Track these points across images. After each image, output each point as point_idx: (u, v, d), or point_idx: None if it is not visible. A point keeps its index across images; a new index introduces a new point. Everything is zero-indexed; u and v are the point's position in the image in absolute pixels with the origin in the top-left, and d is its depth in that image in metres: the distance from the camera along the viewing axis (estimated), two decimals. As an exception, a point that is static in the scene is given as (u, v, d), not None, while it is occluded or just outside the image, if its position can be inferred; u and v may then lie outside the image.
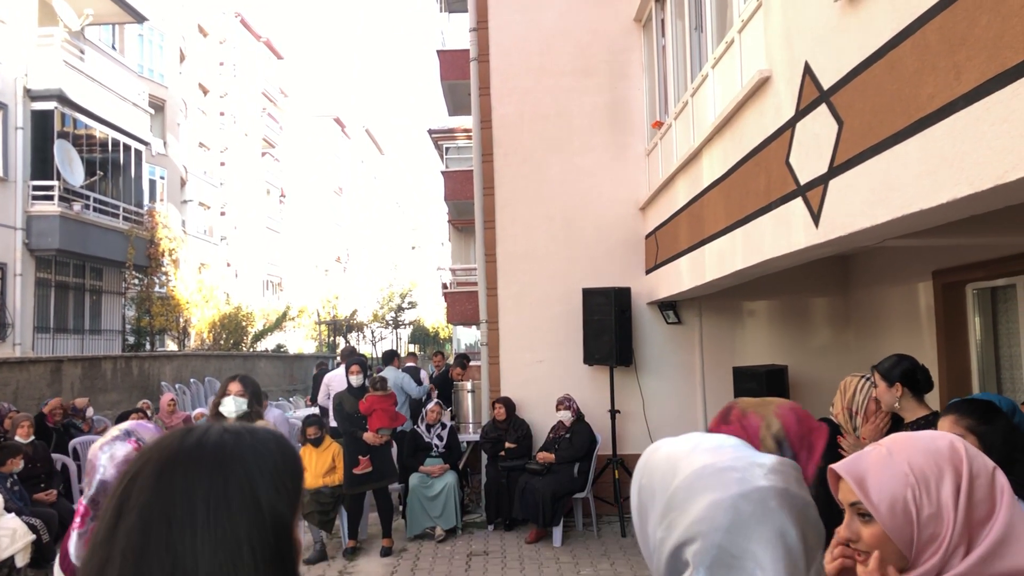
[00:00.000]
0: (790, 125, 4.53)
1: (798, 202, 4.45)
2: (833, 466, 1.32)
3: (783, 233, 4.74)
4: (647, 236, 9.15)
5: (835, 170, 3.93)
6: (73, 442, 9.54)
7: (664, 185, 8.10)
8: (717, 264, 6.29)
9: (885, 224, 3.52)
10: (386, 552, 7.68)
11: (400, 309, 45.50)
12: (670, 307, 9.10)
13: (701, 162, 6.70)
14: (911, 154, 3.19)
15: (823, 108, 4.05)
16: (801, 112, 4.36)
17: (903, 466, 1.23)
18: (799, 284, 8.71)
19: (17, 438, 8.14)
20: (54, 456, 8.60)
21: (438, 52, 17.56)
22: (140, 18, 19.41)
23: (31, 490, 7.70)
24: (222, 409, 4.48)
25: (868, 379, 3.78)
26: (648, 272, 9.14)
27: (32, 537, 6.96)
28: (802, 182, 4.38)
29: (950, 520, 1.19)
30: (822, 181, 4.10)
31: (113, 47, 20.27)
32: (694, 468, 1.00)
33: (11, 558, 6.82)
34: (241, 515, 0.94)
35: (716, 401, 9.03)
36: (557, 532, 7.88)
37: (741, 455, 1.03)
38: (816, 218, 4.20)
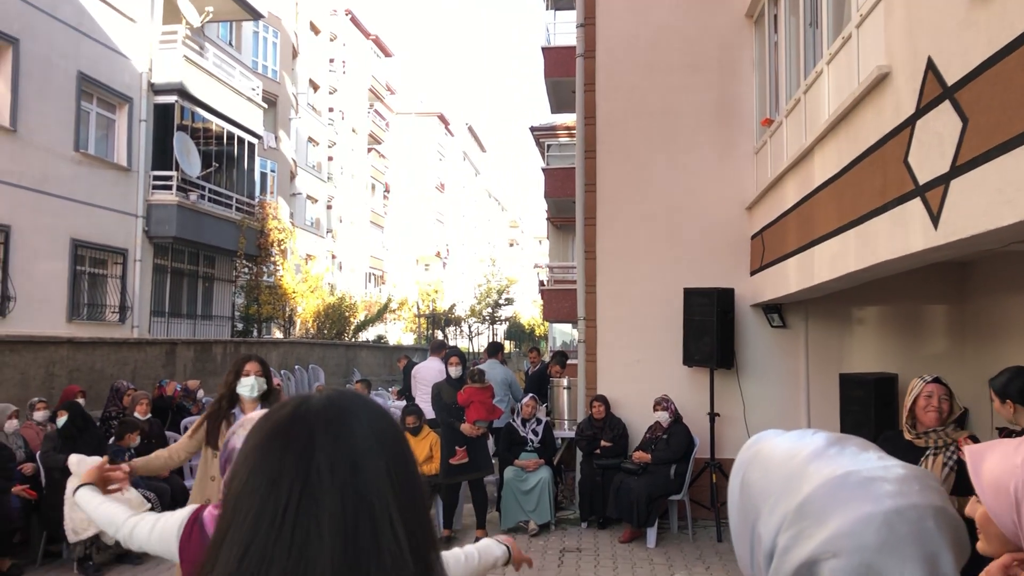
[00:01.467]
0: (910, 123, 4.36)
1: (916, 202, 4.28)
2: (967, 448, 1.35)
3: (899, 235, 4.57)
4: (753, 237, 8.96)
5: (958, 169, 3.76)
6: (184, 421, 9.99)
7: (772, 184, 7.92)
8: (827, 266, 6.11)
9: (1011, 227, 3.35)
10: (480, 543, 7.76)
11: (497, 305, 45.83)
12: (775, 310, 8.89)
13: (813, 161, 6.51)
14: (1043, 152, 3.03)
15: (946, 105, 3.89)
16: (922, 109, 4.19)
17: (1019, 458, 1.24)
18: (913, 290, 8.36)
19: (136, 415, 8.58)
20: (168, 434, 9.03)
21: (543, 49, 17.61)
22: (256, 15, 20.13)
23: (147, 465, 8.09)
24: (240, 390, 4.31)
25: (924, 380, 4.13)
26: (753, 273, 8.95)
27: (148, 506, 7.30)
28: (921, 182, 4.21)
29: None
30: (943, 181, 3.93)
31: (230, 44, 21.10)
32: (835, 474, 0.91)
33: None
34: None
35: (820, 408, 8.77)
36: (651, 533, 7.80)
37: (888, 463, 0.94)
38: (935, 219, 4.03)
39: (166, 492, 7.86)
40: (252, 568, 0.84)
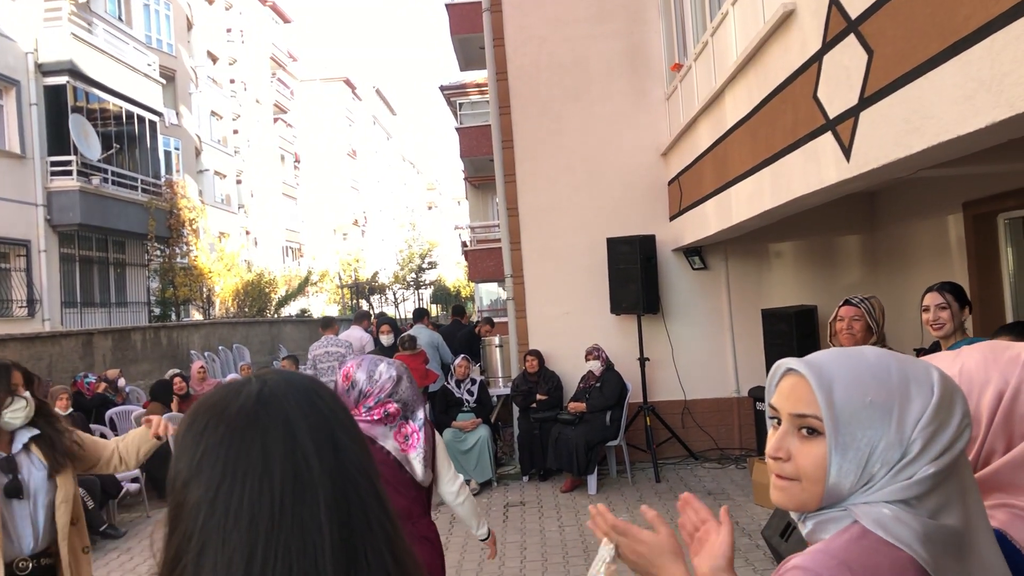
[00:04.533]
0: (817, 58, 4.44)
1: (828, 137, 4.38)
2: None
3: (813, 169, 4.68)
4: (670, 182, 9.07)
5: (866, 101, 3.85)
6: (109, 412, 9.70)
7: (686, 129, 8.01)
8: (745, 205, 6.23)
9: (920, 154, 3.46)
10: (424, 506, 7.77)
11: (421, 270, 45.55)
12: (696, 253, 9.06)
13: (724, 103, 6.60)
14: (947, 79, 3.12)
15: (851, 39, 3.97)
16: (828, 44, 4.27)
17: (956, 366, 1.31)
18: (826, 223, 8.62)
19: (56, 410, 8.26)
20: (92, 427, 8.75)
21: (447, 6, 17.30)
22: (146, -13, 19.29)
23: (73, 460, 7.84)
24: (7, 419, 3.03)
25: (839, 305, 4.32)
26: (672, 219, 9.08)
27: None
28: (831, 116, 4.30)
29: (986, 423, 1.25)
30: (852, 113, 4.03)
31: (120, 18, 20.15)
32: (936, 372, 1.09)
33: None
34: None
35: (745, 345, 9.02)
36: (592, 480, 7.94)
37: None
38: (847, 152, 4.13)
39: (96, 485, 7.63)
40: (259, 572, 0.79)
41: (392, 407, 2.87)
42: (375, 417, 2.86)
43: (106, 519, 7.76)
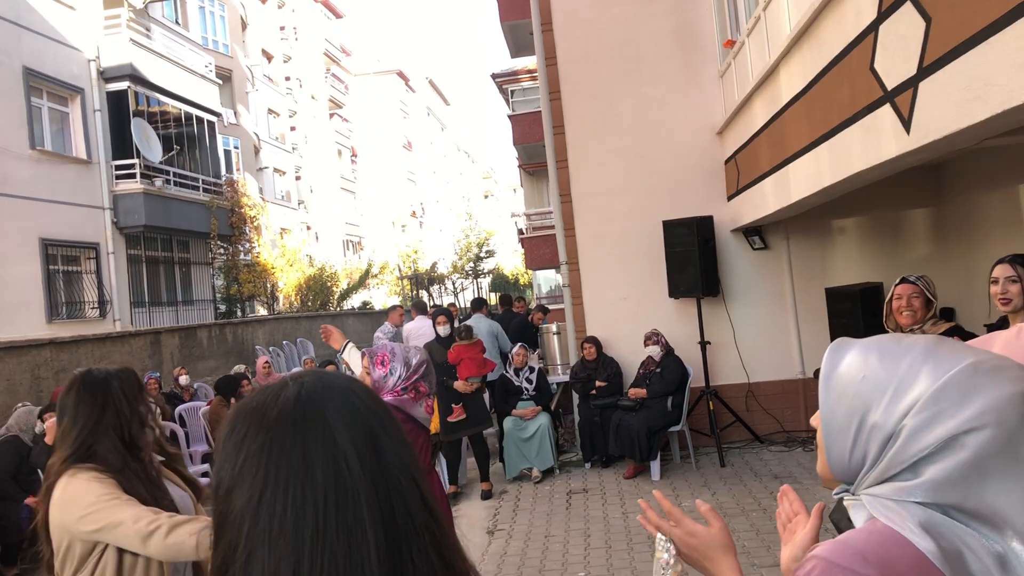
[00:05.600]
0: (872, 29, 4.29)
1: (886, 109, 4.23)
2: (977, 339, 1.42)
3: (872, 144, 4.53)
4: (726, 161, 8.90)
5: (925, 71, 3.71)
6: (178, 409, 9.95)
7: (741, 106, 7.84)
8: (803, 183, 6.08)
9: (983, 123, 3.32)
10: (486, 495, 7.81)
11: (479, 258, 45.72)
12: (755, 232, 8.87)
13: (779, 78, 6.44)
14: (1009, 43, 2.98)
15: (907, 6, 3.82)
16: (884, 13, 4.12)
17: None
18: (890, 197, 8.35)
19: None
20: (162, 424, 8.98)
21: (496, -7, 17.26)
22: (200, -10, 19.64)
23: (145, 457, 8.07)
24: None
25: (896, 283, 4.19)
26: (730, 198, 8.91)
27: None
28: (889, 87, 4.15)
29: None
30: (911, 84, 3.88)
31: (176, 22, 20.56)
32: (964, 363, 1.03)
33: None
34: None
35: (809, 325, 8.83)
36: (655, 466, 7.87)
37: (1001, 355, 1.07)
38: (907, 124, 3.99)
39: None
40: None
41: (423, 387, 3.22)
42: (411, 396, 3.20)
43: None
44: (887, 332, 4.36)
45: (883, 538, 1.04)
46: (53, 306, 14.48)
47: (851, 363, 1.12)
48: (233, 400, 9.45)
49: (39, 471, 7.29)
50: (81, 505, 2.19)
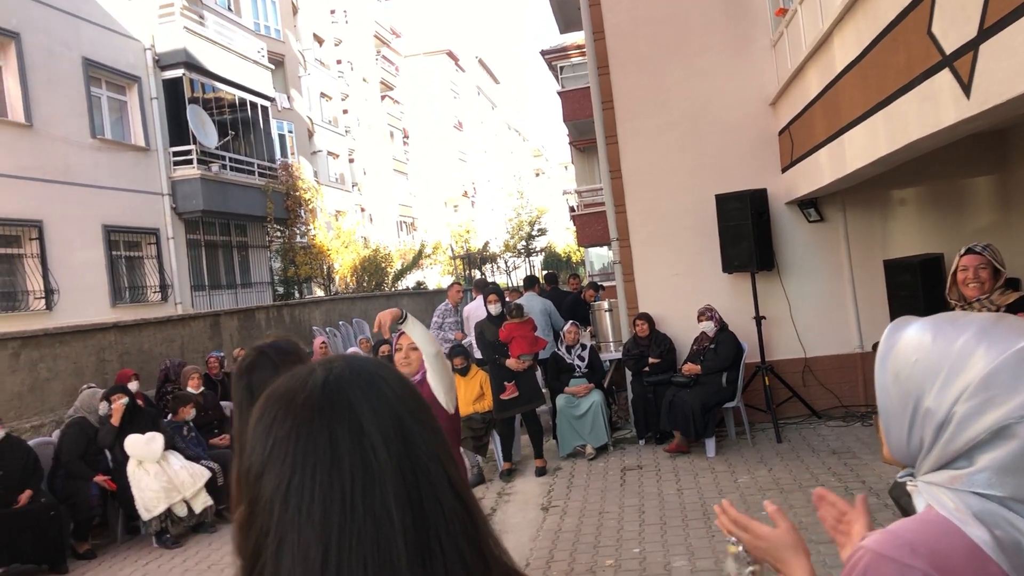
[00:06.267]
0: (930, -10, 4.15)
1: (945, 74, 4.10)
2: None
3: (930, 110, 4.40)
4: (780, 133, 8.72)
5: (985, 32, 3.58)
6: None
7: (794, 76, 7.67)
8: (859, 153, 5.94)
9: (1049, 85, 3.19)
10: (540, 472, 7.85)
11: (531, 237, 45.71)
12: (811, 205, 8.69)
13: (832, 46, 6.28)
14: (1077, 1, 2.86)
15: (968, -35, 3.68)
16: (942, -26, 3.98)
17: None
18: (950, 165, 8.10)
19: (188, 389, 8.75)
20: (223, 404, 9.19)
21: (543, -31, 17.12)
22: (251, -24, 19.85)
23: (207, 437, 8.30)
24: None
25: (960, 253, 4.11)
26: (784, 170, 8.74)
27: (207, 476, 7.50)
28: (948, 51, 4.02)
29: None
30: (971, 47, 3.75)
31: (229, 8, 20.83)
32: (1017, 347, 0.99)
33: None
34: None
35: (867, 298, 8.64)
36: (710, 443, 7.81)
37: None
38: (967, 89, 3.86)
39: (230, 459, 8.03)
40: (335, 568, 0.78)
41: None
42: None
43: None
44: (949, 305, 4.25)
45: (936, 528, 1.01)
46: (116, 290, 14.89)
47: (906, 344, 1.09)
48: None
49: (106, 451, 7.55)
50: None
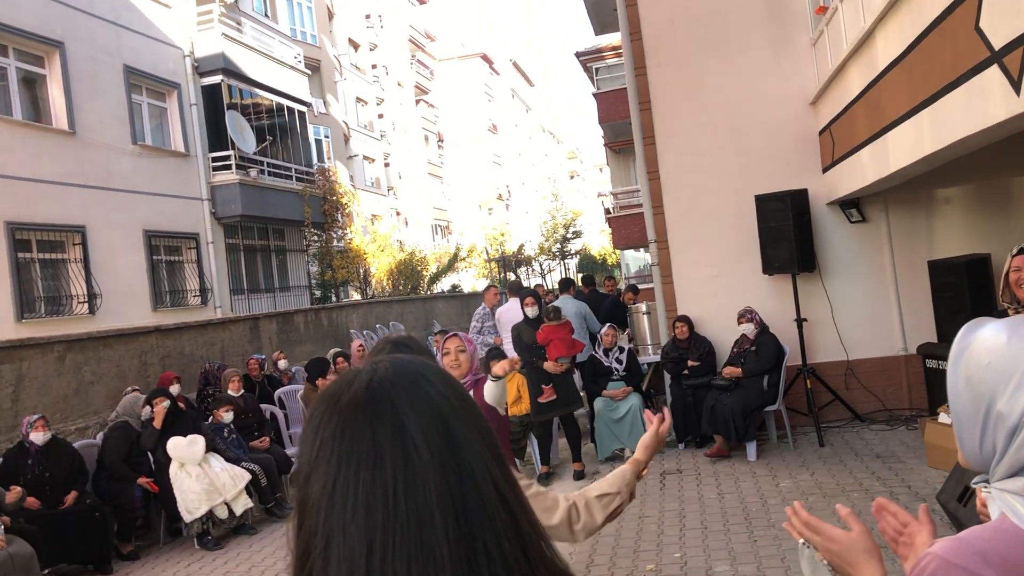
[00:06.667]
0: (979, -15, 4.06)
1: (993, 70, 4.01)
2: None
3: (978, 107, 4.31)
4: (820, 132, 8.61)
5: (1038, 27, 3.49)
6: (278, 392, 10.25)
7: (835, 75, 7.57)
8: (903, 151, 5.83)
9: (1105, 80, 3.10)
10: (579, 475, 7.81)
11: (566, 239, 45.65)
12: (852, 205, 8.57)
13: (875, 44, 6.18)
14: None
15: (1018, -41, 3.60)
16: (991, -32, 3.89)
17: None
18: (997, 164, 7.90)
19: (229, 392, 8.84)
20: (263, 407, 9.28)
21: (578, -29, 17.10)
22: (287, -17, 20.05)
23: (247, 439, 8.37)
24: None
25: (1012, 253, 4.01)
26: (825, 170, 8.62)
27: (248, 478, 7.56)
28: (997, 47, 3.93)
29: None
30: (1021, 42, 3.66)
31: (266, 15, 21.06)
32: None
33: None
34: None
35: (911, 300, 8.49)
36: (751, 447, 7.72)
37: None
38: (1017, 85, 3.77)
39: (271, 463, 8.10)
40: (379, 567, 0.78)
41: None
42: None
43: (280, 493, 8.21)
44: (999, 308, 4.15)
45: (1009, 537, 0.97)
46: (157, 294, 15.11)
47: (980, 346, 1.06)
48: (320, 382, 9.63)
49: (148, 454, 7.65)
50: None
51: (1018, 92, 3.77)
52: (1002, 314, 4.03)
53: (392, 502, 0.80)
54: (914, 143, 5.56)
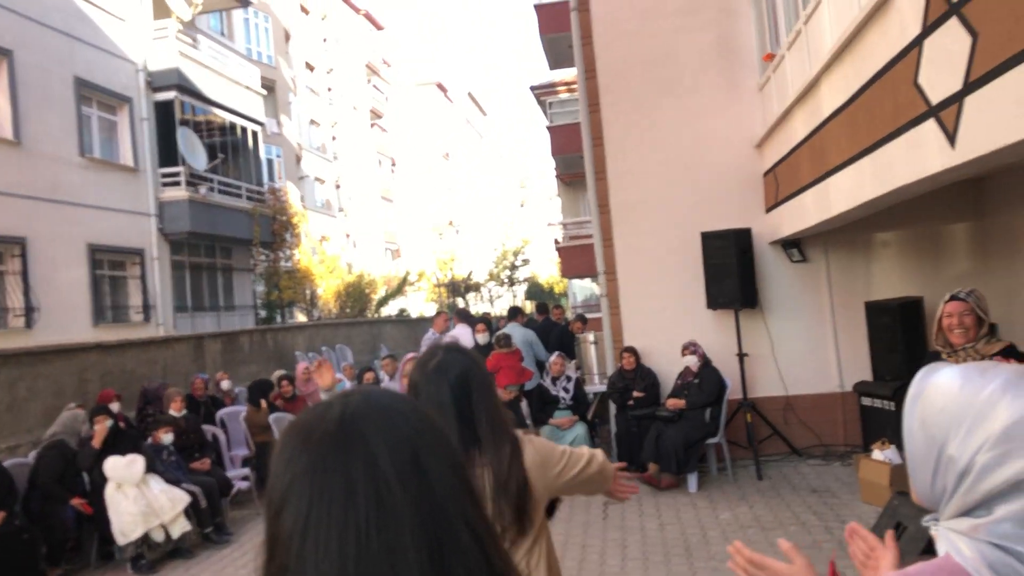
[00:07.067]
0: (917, 43, 4.29)
1: (931, 124, 4.22)
2: None
3: (916, 158, 4.52)
4: (765, 174, 8.88)
5: (971, 86, 3.70)
6: (220, 413, 10.10)
7: (780, 120, 7.83)
8: (844, 196, 6.06)
9: (1031, 139, 3.30)
10: (523, 504, 7.82)
11: (514, 267, 45.84)
12: (794, 245, 8.83)
13: (820, 92, 6.43)
14: (1058, 60, 2.97)
15: (953, 21, 3.81)
16: (929, 28, 4.12)
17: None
18: (931, 211, 8.25)
19: (171, 411, 8.69)
20: (204, 428, 9.13)
21: (536, 7, 17.37)
22: (245, 2, 19.98)
23: (187, 460, 8.22)
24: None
25: (945, 300, 4.12)
26: (768, 211, 8.88)
27: (187, 501, 7.41)
28: (934, 102, 4.15)
29: None
30: (957, 99, 3.87)
31: (222, 33, 20.96)
32: None
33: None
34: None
35: (848, 339, 8.76)
36: (692, 478, 7.85)
37: None
38: (952, 138, 3.98)
39: (213, 485, 7.96)
40: None
41: None
42: None
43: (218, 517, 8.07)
44: (931, 350, 4.33)
45: (952, 575, 1.02)
46: (99, 310, 14.80)
47: (935, 390, 1.10)
48: (263, 403, 9.52)
49: (84, 474, 7.46)
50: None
51: (953, 145, 3.97)
52: (935, 356, 4.21)
53: (365, 539, 0.79)
54: (855, 188, 5.78)
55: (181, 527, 7.33)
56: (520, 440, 2.18)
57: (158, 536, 7.18)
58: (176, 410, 8.74)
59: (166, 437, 8.00)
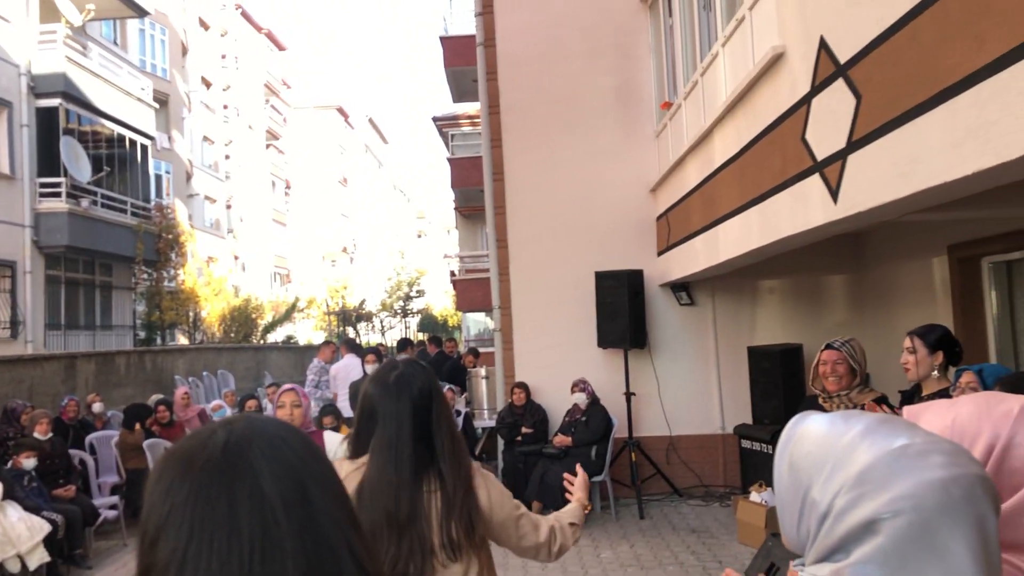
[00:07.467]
0: (806, 101, 4.49)
1: (815, 179, 4.42)
2: (905, 408, 1.38)
3: (800, 210, 4.72)
4: (658, 218, 9.11)
5: (854, 145, 3.89)
6: (89, 438, 9.57)
7: (675, 166, 8.07)
8: (732, 243, 6.26)
9: (908, 198, 3.49)
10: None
11: (408, 298, 45.51)
12: (683, 288, 9.08)
13: (713, 142, 6.65)
14: (935, 125, 3.16)
15: (840, 83, 4.01)
16: (817, 87, 4.32)
17: (950, 416, 1.29)
18: (812, 262, 8.66)
19: (36, 435, 8.18)
20: (72, 452, 8.63)
21: (441, 39, 17.47)
22: (141, 12, 19.34)
23: (51, 487, 7.73)
24: None
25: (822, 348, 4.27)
26: (660, 254, 9.11)
27: (48, 530, 6.96)
28: (819, 158, 4.34)
29: None
30: (840, 156, 4.07)
31: (115, 42, 20.23)
32: (893, 447, 1.03)
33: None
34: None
35: (731, 382, 9.02)
36: (575, 515, 7.86)
37: (935, 438, 1.06)
38: (835, 194, 4.17)
39: (76, 514, 7.51)
40: None
41: None
42: None
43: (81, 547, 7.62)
44: (809, 394, 4.50)
45: None
46: (-39, 323, 13.89)
47: (803, 435, 1.12)
48: (138, 427, 9.11)
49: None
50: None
51: (835, 200, 4.16)
52: (812, 400, 4.37)
53: (248, 570, 0.77)
54: (742, 237, 5.99)
55: (40, 558, 6.86)
56: (473, 467, 2.20)
57: (14, 567, 6.71)
58: (42, 433, 8.21)
59: (28, 462, 7.50)
